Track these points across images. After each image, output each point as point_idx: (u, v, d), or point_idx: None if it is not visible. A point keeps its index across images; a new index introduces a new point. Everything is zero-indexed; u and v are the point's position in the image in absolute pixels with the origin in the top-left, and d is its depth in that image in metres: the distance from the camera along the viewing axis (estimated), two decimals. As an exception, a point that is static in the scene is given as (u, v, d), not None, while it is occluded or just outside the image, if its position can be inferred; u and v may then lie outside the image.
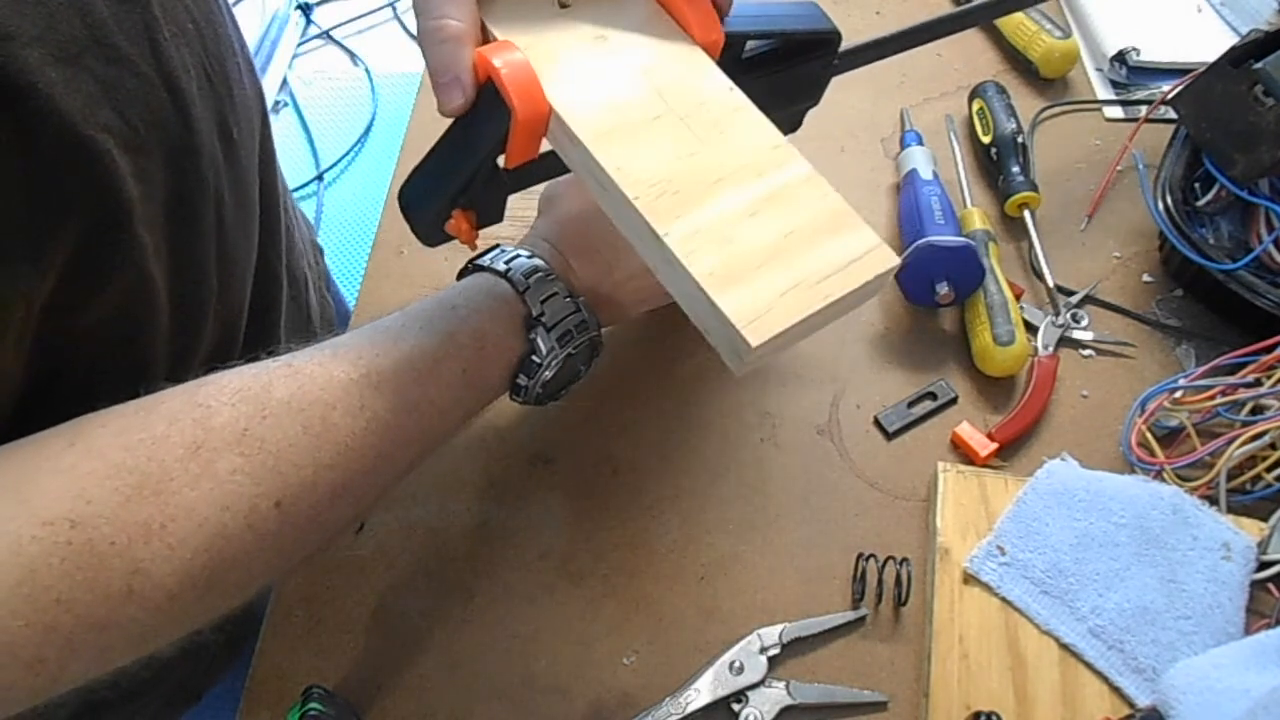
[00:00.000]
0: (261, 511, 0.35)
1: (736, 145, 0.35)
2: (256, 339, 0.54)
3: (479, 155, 0.37)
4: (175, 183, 0.41)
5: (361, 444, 0.38)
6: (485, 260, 0.47)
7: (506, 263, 0.46)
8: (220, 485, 0.34)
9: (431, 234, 0.41)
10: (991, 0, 0.52)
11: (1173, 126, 0.65)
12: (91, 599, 0.31)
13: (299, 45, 2.33)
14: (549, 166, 0.40)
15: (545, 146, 0.38)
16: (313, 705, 0.43)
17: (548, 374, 0.45)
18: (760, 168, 0.34)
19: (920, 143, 0.69)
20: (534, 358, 0.44)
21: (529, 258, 0.46)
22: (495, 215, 0.41)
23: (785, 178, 0.34)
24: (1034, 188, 0.66)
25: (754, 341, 0.30)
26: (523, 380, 0.45)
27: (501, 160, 0.38)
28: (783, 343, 0.32)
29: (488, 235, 0.43)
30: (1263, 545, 0.50)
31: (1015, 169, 0.67)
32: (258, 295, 0.53)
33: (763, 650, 0.48)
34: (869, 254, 0.33)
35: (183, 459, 0.34)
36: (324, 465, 0.37)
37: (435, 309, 0.43)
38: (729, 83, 0.37)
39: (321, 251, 0.76)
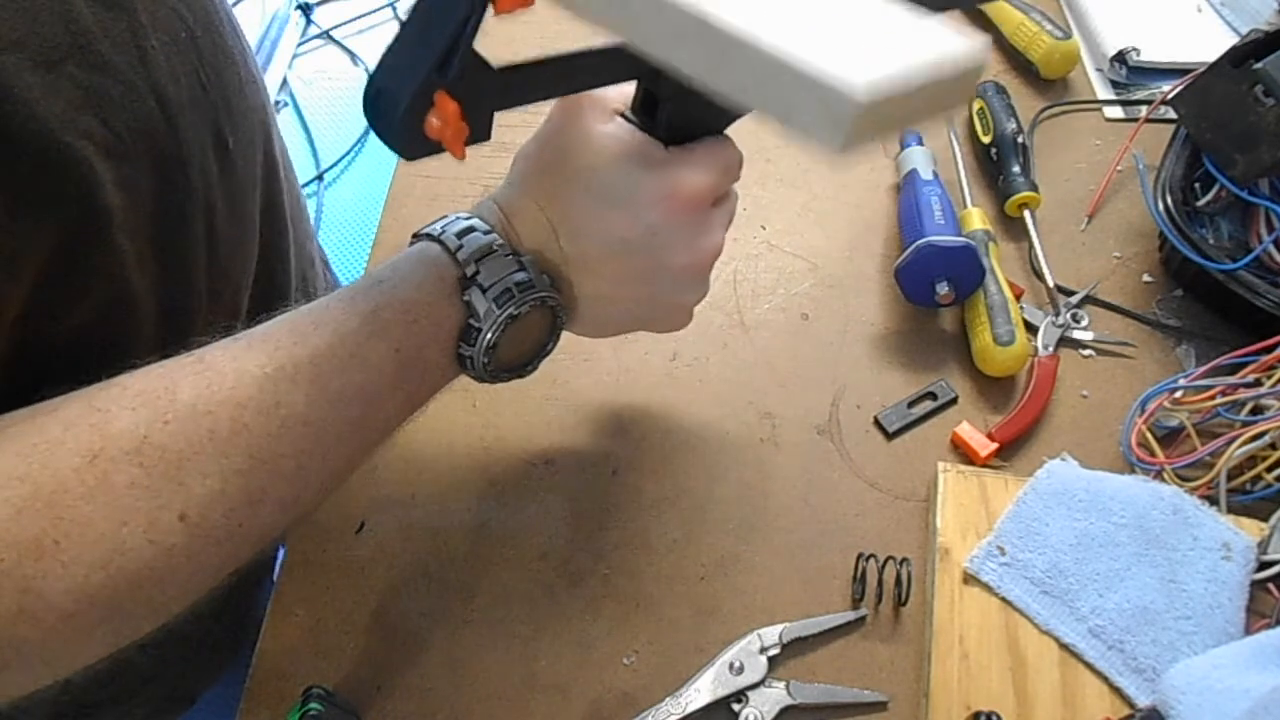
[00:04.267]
0: (163, 525, 0.32)
1: None
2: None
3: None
4: (162, 191, 0.40)
5: (278, 446, 0.35)
6: (425, 227, 0.42)
7: (444, 225, 0.41)
8: (117, 498, 0.32)
9: (409, 135, 0.33)
10: None
11: (1173, 126, 0.65)
12: None
13: (299, 45, 2.33)
14: (549, 77, 0.36)
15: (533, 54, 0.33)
16: (313, 705, 0.43)
17: (489, 338, 0.40)
18: None
19: (920, 143, 0.69)
20: (472, 321, 0.40)
21: (467, 218, 0.41)
22: (483, 123, 0.35)
23: None
24: (1034, 188, 0.66)
25: (862, 83, 0.25)
26: (465, 350, 0.40)
27: (491, 11, 0.32)
28: (886, 111, 0.26)
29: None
30: (1263, 545, 0.50)
31: (1015, 169, 0.67)
32: (260, 306, 0.53)
33: (763, 650, 0.48)
34: (949, 39, 0.28)
35: (78, 469, 0.31)
36: (235, 471, 0.34)
37: (360, 286, 0.39)
38: None
39: (327, 264, 0.76)
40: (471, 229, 0.40)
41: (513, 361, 0.44)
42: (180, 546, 0.33)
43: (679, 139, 0.41)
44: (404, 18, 0.33)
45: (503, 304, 0.39)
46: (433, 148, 0.34)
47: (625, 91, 0.41)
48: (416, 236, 0.42)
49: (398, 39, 0.33)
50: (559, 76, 0.36)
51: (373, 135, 0.34)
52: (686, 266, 0.42)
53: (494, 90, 0.34)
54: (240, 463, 0.34)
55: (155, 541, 0.32)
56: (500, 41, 0.33)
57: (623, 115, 0.41)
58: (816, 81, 0.26)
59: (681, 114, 0.39)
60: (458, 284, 0.40)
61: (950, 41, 0.28)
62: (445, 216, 0.42)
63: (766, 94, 0.28)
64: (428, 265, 0.40)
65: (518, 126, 0.43)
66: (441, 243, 0.40)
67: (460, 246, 0.40)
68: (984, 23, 0.81)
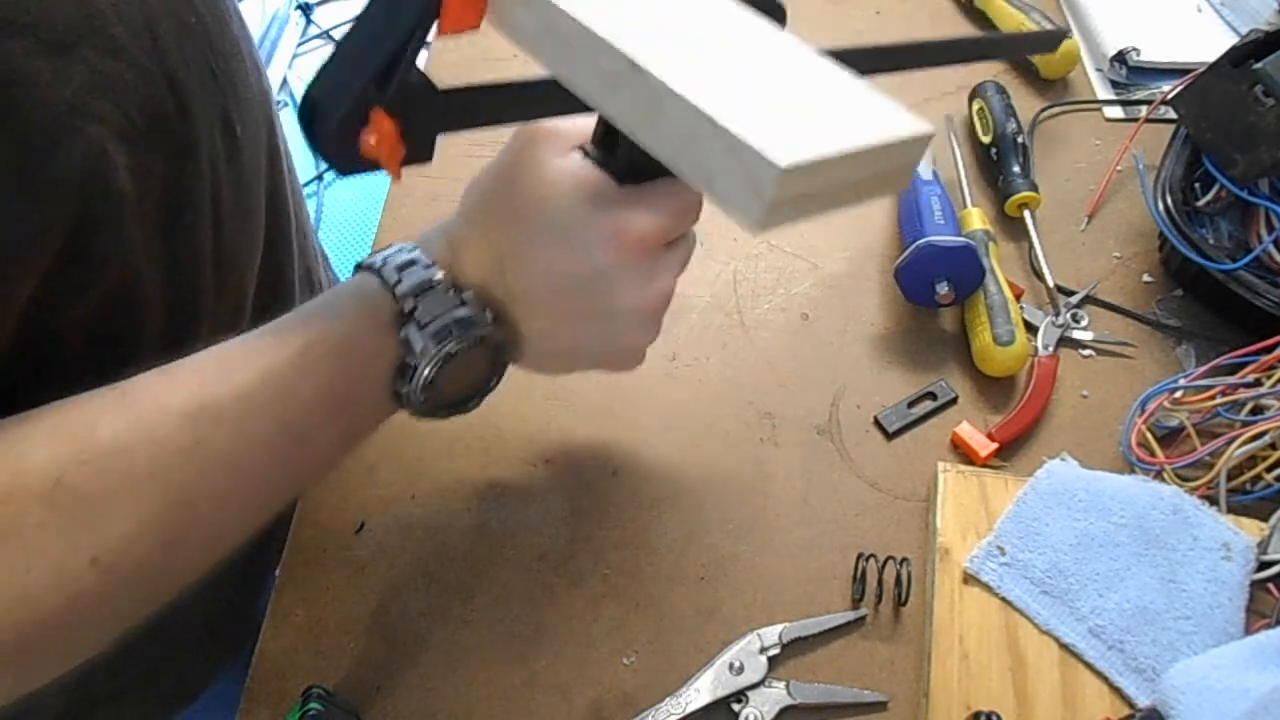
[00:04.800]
0: (73, 570, 0.31)
1: (725, 17, 0.29)
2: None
3: (411, 14, 0.30)
4: (173, 178, 0.40)
5: (199, 488, 0.34)
6: (368, 259, 0.40)
7: (385, 258, 0.39)
8: (26, 542, 0.30)
9: (342, 146, 0.32)
10: (989, 39, 0.46)
11: (1173, 126, 0.65)
12: None
13: (299, 45, 2.33)
14: (498, 102, 0.35)
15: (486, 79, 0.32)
16: (313, 705, 0.43)
17: (425, 375, 0.38)
18: (754, 36, 0.29)
19: (920, 143, 0.68)
20: (408, 359, 0.38)
21: (410, 250, 0.40)
22: (422, 143, 0.33)
23: (788, 51, 0.29)
24: (1034, 188, 0.66)
25: (783, 161, 0.24)
26: (401, 387, 0.39)
27: (434, 32, 0.31)
28: (810, 185, 0.26)
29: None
30: (1263, 545, 0.50)
31: (1015, 169, 0.67)
32: (265, 298, 0.53)
33: (763, 650, 0.48)
34: (900, 116, 0.28)
35: None
36: (150, 516, 0.32)
37: (292, 320, 0.38)
38: None
39: (328, 262, 0.76)
40: (412, 262, 0.39)
41: (452, 398, 0.42)
42: (90, 591, 0.32)
43: (638, 177, 0.38)
44: (346, 30, 0.32)
45: (440, 341, 0.38)
46: (369, 165, 0.33)
47: (586, 125, 0.39)
48: (358, 267, 0.41)
49: (337, 51, 0.32)
50: (510, 103, 0.35)
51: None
52: (635, 309, 0.40)
53: (436, 111, 0.33)
54: (158, 506, 0.33)
55: (65, 586, 0.31)
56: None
57: (582, 149, 0.39)
58: (739, 143, 0.25)
59: (642, 151, 0.38)
60: (394, 319, 0.38)
61: (893, 120, 0.27)
62: (389, 246, 0.40)
63: (690, 153, 0.27)
64: (363, 300, 0.38)
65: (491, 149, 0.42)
66: (381, 276, 0.39)
67: (399, 281, 0.38)
68: (984, 22, 0.81)
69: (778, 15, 0.37)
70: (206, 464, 0.34)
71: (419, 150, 0.33)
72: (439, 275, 0.39)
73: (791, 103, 0.27)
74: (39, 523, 0.31)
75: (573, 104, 0.34)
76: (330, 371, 0.37)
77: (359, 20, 0.32)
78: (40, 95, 0.32)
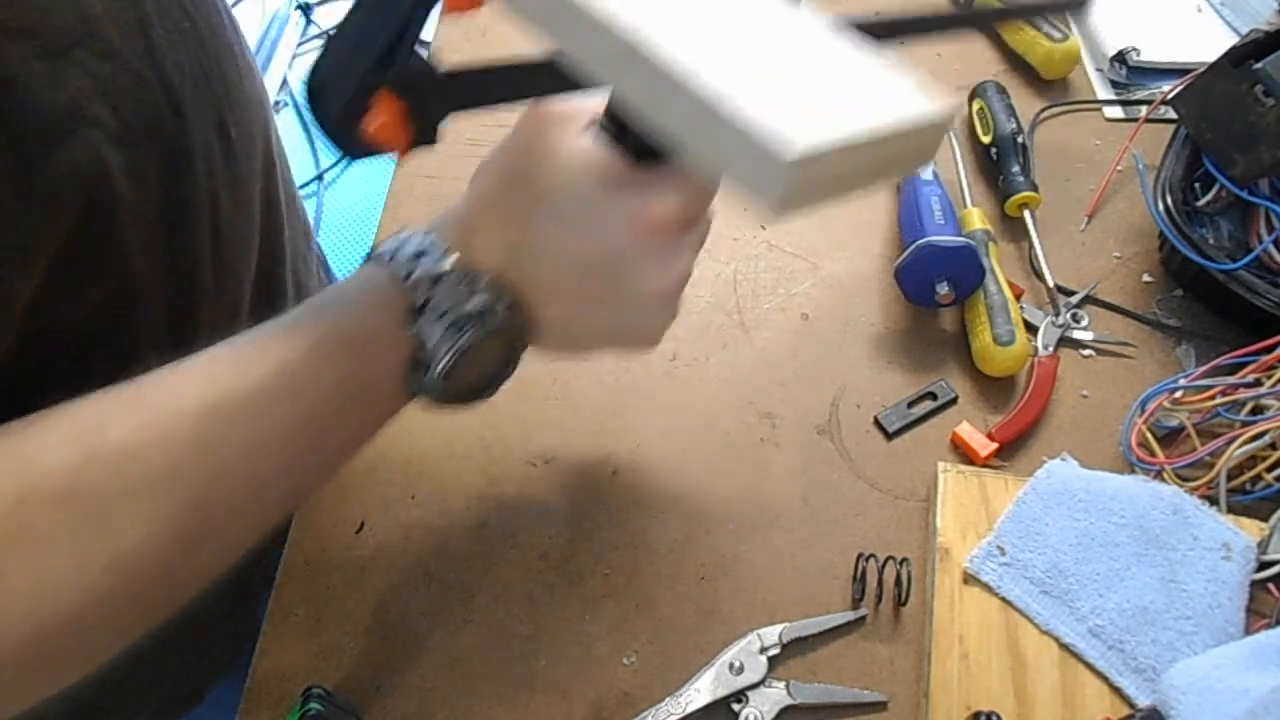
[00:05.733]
0: (90, 573, 0.31)
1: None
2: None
3: None
4: (168, 180, 0.40)
5: (213, 488, 0.33)
6: (380, 247, 0.40)
7: (397, 246, 0.39)
8: (42, 546, 0.30)
9: (349, 132, 0.31)
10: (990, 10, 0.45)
11: (1173, 126, 0.65)
12: None
13: (299, 45, 2.33)
14: (506, 82, 0.34)
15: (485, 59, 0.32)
16: (313, 705, 0.43)
17: (441, 367, 0.37)
18: (772, 7, 0.28)
19: (920, 143, 0.68)
20: (423, 353, 0.38)
21: (425, 236, 0.39)
22: (426, 125, 0.33)
23: (808, 29, 0.28)
24: (1034, 188, 0.66)
25: (791, 152, 0.23)
26: (415, 379, 0.38)
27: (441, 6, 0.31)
28: (825, 171, 0.25)
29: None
30: (1263, 545, 0.50)
31: (1015, 169, 0.67)
32: (260, 300, 0.53)
33: (763, 650, 0.48)
34: (917, 97, 0.27)
35: (4, 514, 0.30)
36: (165, 518, 0.32)
37: (304, 314, 0.37)
38: None
39: (326, 266, 0.76)
40: (426, 251, 0.38)
41: (469, 387, 0.41)
42: (109, 594, 0.32)
43: (653, 155, 0.37)
44: (348, 10, 0.31)
45: (456, 333, 0.37)
46: (376, 147, 0.32)
47: (597, 102, 0.38)
48: (370, 257, 0.40)
49: (340, 31, 0.31)
50: (516, 81, 0.34)
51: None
52: (654, 292, 0.39)
53: (441, 93, 0.33)
54: (172, 507, 0.32)
55: (82, 589, 0.31)
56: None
57: (595, 126, 0.38)
58: (746, 131, 0.24)
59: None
60: (408, 312, 0.37)
61: (911, 102, 0.26)
62: (400, 233, 0.39)
63: (703, 140, 0.26)
64: (375, 293, 0.38)
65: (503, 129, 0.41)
66: (393, 267, 0.38)
67: (412, 271, 0.37)
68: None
69: None
70: (221, 463, 0.34)
71: (425, 133, 0.33)
72: (452, 264, 0.38)
73: (803, 84, 0.26)
74: (54, 526, 0.30)
75: (581, 81, 0.34)
76: (343, 366, 0.36)
77: (361, 0, 0.31)
78: (36, 99, 0.32)
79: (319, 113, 0.32)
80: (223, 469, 0.34)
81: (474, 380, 0.41)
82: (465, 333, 0.37)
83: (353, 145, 0.32)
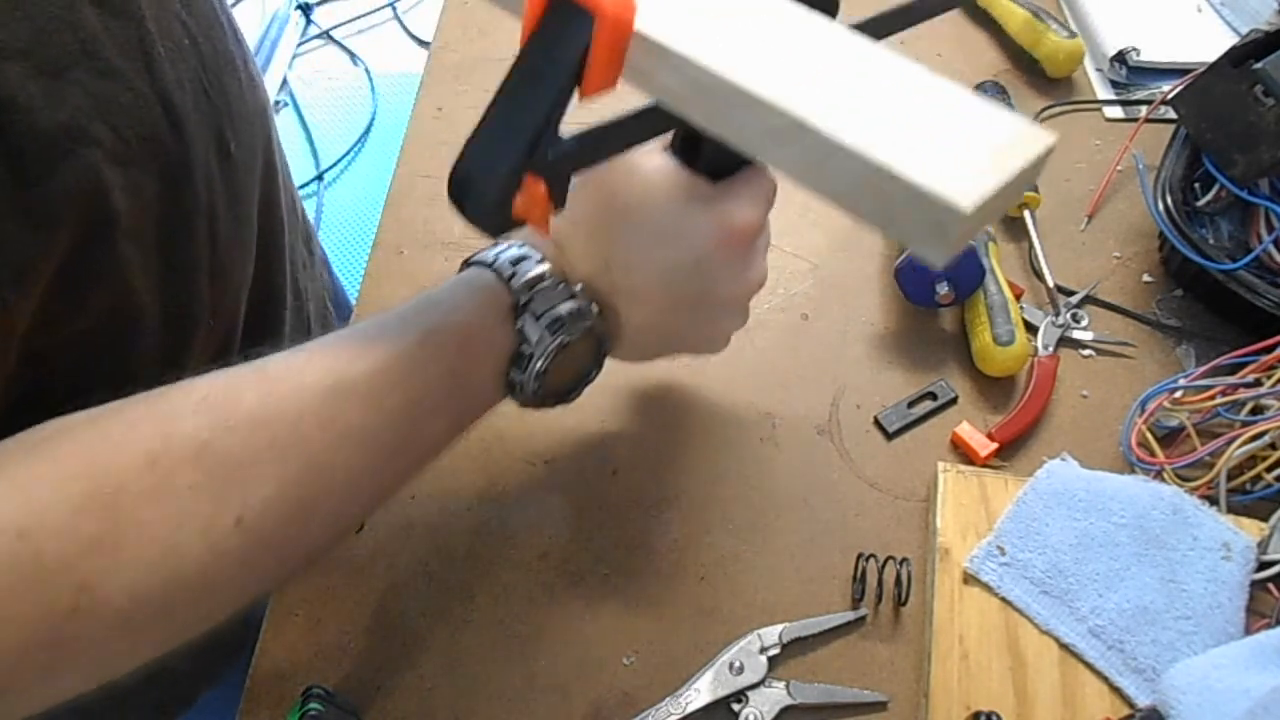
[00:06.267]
0: (220, 529, 0.33)
1: (845, 51, 0.30)
2: (257, 354, 0.54)
3: (556, 84, 0.31)
4: (167, 197, 0.40)
5: (333, 458, 0.36)
6: (476, 255, 0.43)
7: (497, 254, 0.42)
8: (177, 500, 0.32)
9: (497, 213, 0.33)
10: None
11: (1173, 126, 0.65)
12: (35, 614, 0.30)
13: (299, 45, 2.33)
14: (616, 136, 0.36)
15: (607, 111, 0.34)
16: (313, 705, 0.43)
17: (540, 364, 0.41)
18: (879, 65, 0.30)
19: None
20: (523, 348, 0.41)
21: (520, 246, 0.42)
22: (562, 194, 0.35)
23: (910, 73, 0.30)
24: (1034, 188, 0.66)
25: (968, 206, 0.25)
26: (515, 376, 0.41)
27: (576, 95, 0.32)
28: (984, 216, 0.27)
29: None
30: (1263, 545, 0.50)
31: (1015, 169, 0.67)
32: (257, 310, 0.53)
33: (763, 650, 0.48)
34: (1026, 130, 0.29)
35: (139, 470, 0.32)
36: (290, 481, 0.34)
37: (416, 307, 0.40)
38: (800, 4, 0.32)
39: (329, 267, 0.76)
40: (525, 257, 0.41)
41: (559, 387, 0.44)
42: (234, 551, 0.33)
43: (719, 171, 0.41)
44: (490, 101, 0.33)
45: (554, 332, 0.40)
46: (518, 224, 0.34)
47: None
48: (468, 263, 0.43)
49: (484, 124, 0.33)
50: (625, 134, 0.36)
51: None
52: (734, 297, 0.44)
53: (574, 160, 0.35)
54: (296, 472, 0.35)
55: (211, 545, 0.33)
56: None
57: (666, 149, 0.42)
58: (921, 192, 0.26)
59: (723, 149, 0.39)
60: (510, 310, 0.41)
61: (1031, 133, 0.28)
62: (497, 244, 0.43)
63: (867, 199, 0.28)
64: (482, 290, 0.41)
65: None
66: (495, 270, 0.41)
67: (514, 274, 0.41)
68: (989, 22, 0.81)
69: (831, 8, 0.38)
70: (341, 436, 0.36)
71: (560, 199, 0.35)
72: (549, 269, 0.41)
73: (947, 135, 0.27)
74: (189, 484, 0.32)
75: (674, 122, 0.36)
76: (452, 356, 0.39)
77: (503, 90, 0.33)
78: (34, 119, 0.32)
79: (467, 204, 0.33)
80: (341, 442, 0.36)
81: (564, 380, 0.44)
82: (561, 332, 0.40)
83: (500, 228, 0.34)
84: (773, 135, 0.29)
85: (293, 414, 0.35)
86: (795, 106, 0.28)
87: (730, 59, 0.29)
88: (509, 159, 0.32)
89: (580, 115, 0.33)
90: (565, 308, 0.41)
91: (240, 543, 0.33)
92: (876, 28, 0.39)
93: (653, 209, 0.40)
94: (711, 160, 0.41)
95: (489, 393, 0.42)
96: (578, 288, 0.42)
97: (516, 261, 0.41)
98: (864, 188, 0.27)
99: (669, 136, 0.42)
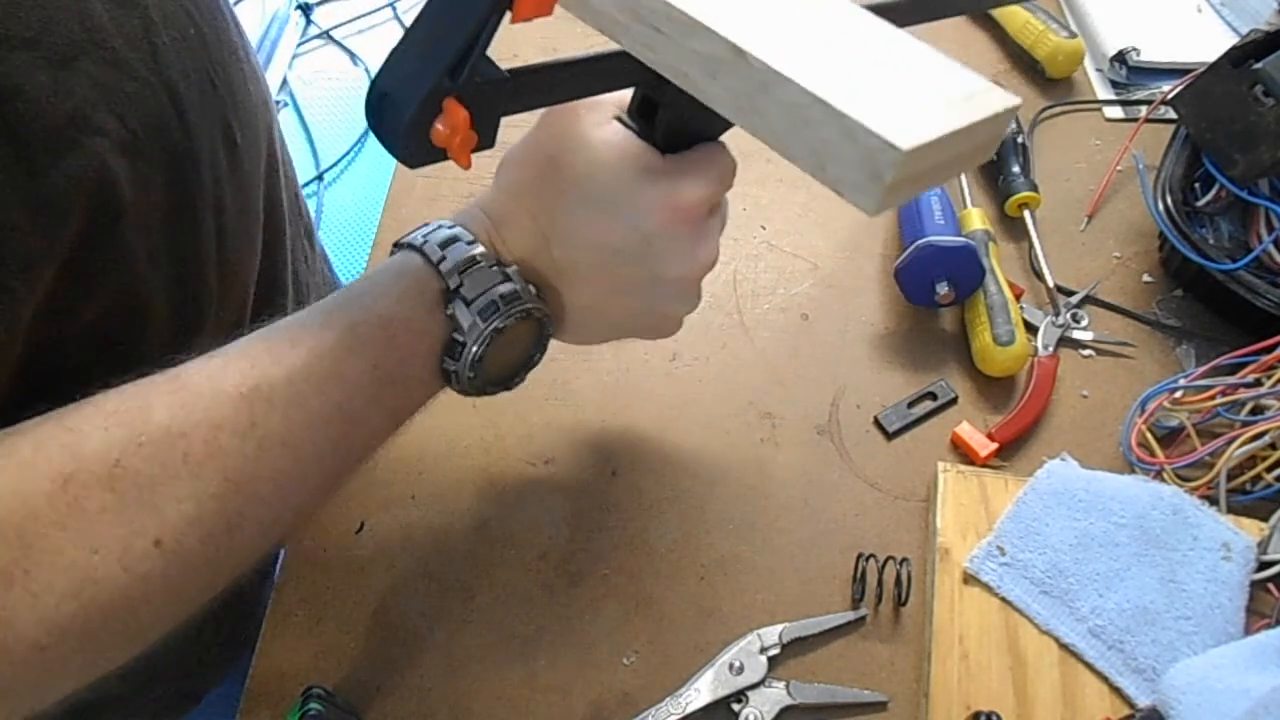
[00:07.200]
0: (137, 552, 0.31)
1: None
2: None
3: (484, 1, 0.29)
4: (174, 187, 0.40)
5: (255, 468, 0.34)
6: (406, 237, 0.40)
7: (425, 235, 0.39)
8: (89, 524, 0.30)
9: (415, 142, 0.31)
10: None
11: (1173, 126, 0.65)
12: None
13: (299, 45, 2.33)
14: (557, 82, 0.34)
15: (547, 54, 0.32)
16: (313, 705, 0.43)
17: (475, 351, 0.38)
18: (834, 7, 0.29)
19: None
20: (456, 336, 0.38)
21: (450, 227, 0.40)
22: (489, 131, 0.32)
23: (868, 21, 0.29)
24: (1034, 188, 0.66)
25: (905, 144, 0.24)
26: (450, 365, 0.39)
27: (508, 18, 0.31)
28: (922, 165, 0.25)
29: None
30: (1263, 545, 0.50)
31: (1015, 169, 0.67)
32: (261, 302, 0.53)
33: (763, 650, 0.48)
34: (986, 90, 0.28)
35: (48, 494, 0.30)
36: (210, 495, 0.33)
37: (338, 300, 0.38)
38: None
39: (328, 262, 0.76)
40: (455, 239, 0.39)
41: (499, 375, 0.42)
42: (155, 573, 0.32)
43: (676, 145, 0.39)
44: (414, 18, 0.31)
45: (488, 317, 0.38)
46: (438, 155, 0.32)
47: (621, 94, 0.39)
48: (398, 246, 0.41)
49: (405, 40, 0.31)
50: (567, 81, 0.35)
51: (372, 136, 0.33)
52: (681, 277, 0.41)
53: (503, 96, 0.33)
54: (216, 486, 0.33)
55: (129, 569, 0.31)
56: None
57: (618, 119, 0.39)
58: (859, 127, 0.24)
59: (680, 120, 0.37)
60: (440, 297, 0.38)
61: (987, 94, 0.27)
62: (427, 224, 0.40)
63: (801, 137, 0.26)
64: (408, 278, 0.39)
65: (519, 126, 0.42)
66: (423, 253, 0.39)
67: (443, 258, 0.38)
68: (991, 23, 0.81)
69: None
70: (262, 444, 0.34)
71: (487, 137, 0.33)
72: (482, 251, 0.39)
73: (894, 81, 0.26)
74: (101, 506, 0.31)
75: (628, 77, 0.34)
76: (377, 351, 0.37)
77: (428, 7, 0.31)
78: (41, 109, 0.32)
79: (383, 123, 0.31)
80: (262, 450, 0.34)
81: (504, 366, 0.42)
82: (496, 317, 0.38)
83: (416, 155, 0.32)
84: (706, 64, 0.27)
85: (208, 425, 0.33)
86: (730, 31, 0.26)
87: None
88: (428, 77, 0.30)
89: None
90: (500, 291, 0.38)
91: (161, 564, 0.32)
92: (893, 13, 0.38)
93: (598, 180, 0.38)
94: (667, 132, 0.38)
95: (424, 384, 0.40)
96: (512, 269, 0.39)
97: (446, 244, 0.39)
98: (800, 124, 0.26)
99: (625, 103, 0.40)
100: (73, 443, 0.31)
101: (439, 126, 0.31)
